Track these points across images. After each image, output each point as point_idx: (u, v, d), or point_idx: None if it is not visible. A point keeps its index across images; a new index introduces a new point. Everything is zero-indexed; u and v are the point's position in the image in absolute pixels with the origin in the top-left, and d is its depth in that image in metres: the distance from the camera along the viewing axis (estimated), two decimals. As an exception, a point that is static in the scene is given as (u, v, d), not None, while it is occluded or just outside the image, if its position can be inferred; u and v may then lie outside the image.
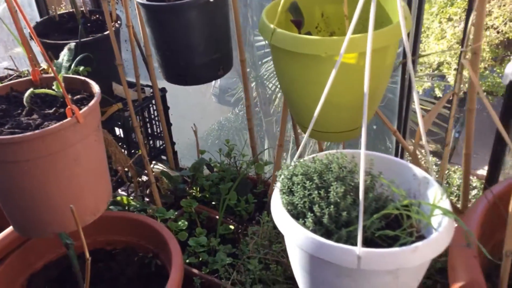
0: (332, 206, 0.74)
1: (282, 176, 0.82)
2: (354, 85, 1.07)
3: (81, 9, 1.74)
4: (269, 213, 1.47)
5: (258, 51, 4.78)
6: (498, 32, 6.58)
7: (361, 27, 1.17)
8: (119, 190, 1.82)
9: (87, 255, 0.94)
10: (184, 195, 1.70)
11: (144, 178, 1.79)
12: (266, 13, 1.16)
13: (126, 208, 1.61)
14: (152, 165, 1.82)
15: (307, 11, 1.28)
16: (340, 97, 1.12)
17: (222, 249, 1.46)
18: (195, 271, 1.40)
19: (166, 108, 1.83)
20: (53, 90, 0.93)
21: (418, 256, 0.69)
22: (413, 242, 0.71)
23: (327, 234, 0.74)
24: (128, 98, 1.53)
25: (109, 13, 1.43)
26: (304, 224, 0.74)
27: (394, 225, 0.79)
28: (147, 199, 1.74)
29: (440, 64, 7.46)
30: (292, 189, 0.79)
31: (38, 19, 1.81)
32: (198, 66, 1.28)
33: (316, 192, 0.76)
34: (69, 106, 0.83)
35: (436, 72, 7.70)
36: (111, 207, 1.58)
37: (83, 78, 0.99)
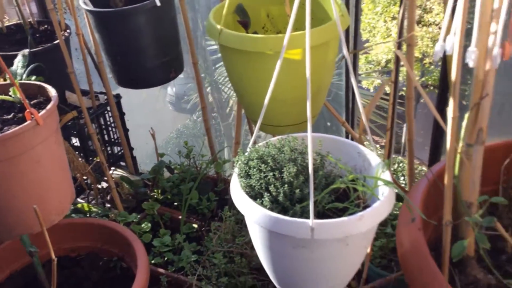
0: (286, 185, 0.80)
1: (239, 162, 0.87)
2: (299, 81, 1.14)
3: (29, 20, 1.73)
4: (231, 208, 1.53)
5: (211, 56, 4.81)
6: (439, 28, 6.91)
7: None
8: (79, 199, 1.82)
9: (53, 256, 0.95)
10: (146, 198, 1.72)
11: (104, 185, 1.80)
12: (213, 15, 1.21)
13: (88, 215, 1.62)
14: (111, 171, 1.83)
15: (253, 12, 1.35)
16: (287, 93, 1.19)
17: (187, 247, 1.49)
18: (161, 270, 1.43)
19: (122, 114, 1.85)
20: (10, 96, 0.95)
21: (364, 223, 0.76)
22: (360, 212, 0.78)
23: (283, 211, 0.80)
24: (82, 105, 1.55)
25: (57, 23, 1.45)
26: (261, 204, 0.80)
27: (343, 199, 0.86)
28: (109, 205, 1.75)
29: (388, 61, 7.76)
30: (249, 173, 0.85)
31: (-15, 32, 1.79)
32: (149, 69, 1.32)
33: (271, 173, 0.82)
34: (28, 110, 0.85)
35: (384, 69, 8.01)
36: (73, 215, 1.59)
37: (39, 83, 1.01)
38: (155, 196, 1.73)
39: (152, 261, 1.47)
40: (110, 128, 1.88)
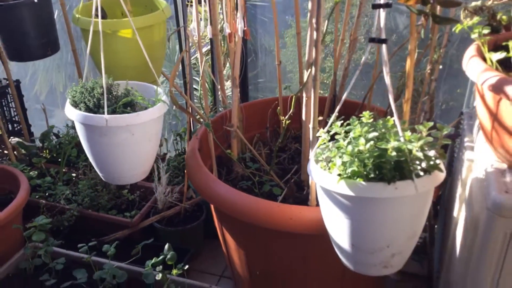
0: (95, 99, 1.34)
1: (71, 91, 1.40)
2: (137, 52, 1.69)
3: None
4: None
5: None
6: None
7: (148, 11, 1.84)
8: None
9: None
10: (37, 157, 2.17)
11: (6, 152, 2.23)
12: (76, 10, 1.76)
13: (-13, 167, 2.05)
14: (10, 139, 2.27)
15: (110, 11, 1.90)
16: (131, 61, 1.74)
17: (62, 186, 1.97)
18: (42, 201, 1.90)
19: (20, 95, 2.31)
20: None
21: (140, 117, 1.30)
22: (141, 114, 1.32)
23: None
24: (-15, 84, 2.01)
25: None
26: (80, 110, 1.33)
27: (134, 110, 1.40)
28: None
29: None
30: (75, 95, 1.38)
31: None
32: (32, 47, 1.83)
33: (87, 94, 1.36)
34: None
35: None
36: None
37: None
38: (44, 156, 2.20)
39: (36, 196, 1.93)
40: (10, 107, 2.34)
